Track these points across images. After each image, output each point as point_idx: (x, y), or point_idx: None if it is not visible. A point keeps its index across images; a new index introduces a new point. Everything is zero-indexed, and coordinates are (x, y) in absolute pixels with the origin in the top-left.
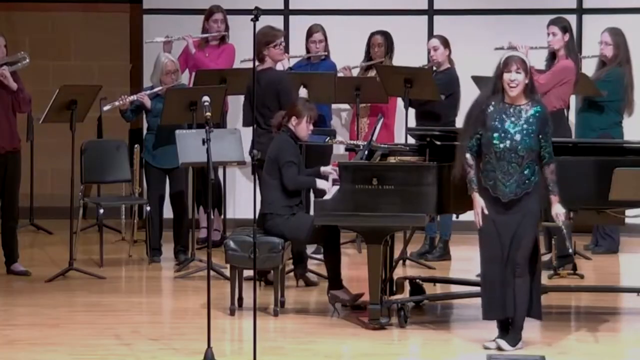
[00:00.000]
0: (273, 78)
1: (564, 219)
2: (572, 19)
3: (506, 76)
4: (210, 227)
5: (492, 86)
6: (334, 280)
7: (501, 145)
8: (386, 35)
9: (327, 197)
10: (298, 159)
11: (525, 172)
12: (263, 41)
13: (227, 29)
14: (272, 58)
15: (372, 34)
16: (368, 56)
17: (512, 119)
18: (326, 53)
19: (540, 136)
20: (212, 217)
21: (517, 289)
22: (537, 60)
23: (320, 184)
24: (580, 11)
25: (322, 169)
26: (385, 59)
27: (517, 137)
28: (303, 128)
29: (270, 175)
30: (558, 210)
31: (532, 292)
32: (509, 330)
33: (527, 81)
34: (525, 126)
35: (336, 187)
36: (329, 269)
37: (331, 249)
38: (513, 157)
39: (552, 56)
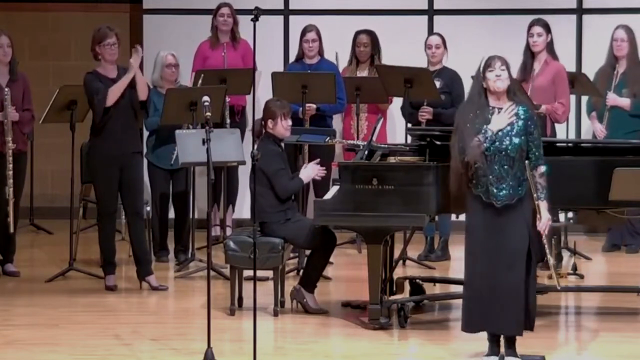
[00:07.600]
0: None
1: (548, 231)
2: (572, 19)
3: (490, 75)
4: (210, 226)
5: (475, 92)
6: (311, 282)
7: (491, 148)
8: (371, 35)
9: (327, 196)
10: (285, 163)
11: (518, 173)
12: (95, 40)
13: (235, 24)
14: (102, 57)
15: (357, 33)
16: (354, 55)
17: None
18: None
19: (528, 136)
20: (211, 215)
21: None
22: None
23: (305, 176)
24: (580, 11)
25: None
26: (375, 58)
27: (506, 138)
28: (280, 127)
29: (259, 184)
30: (546, 219)
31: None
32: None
33: (509, 81)
34: (510, 127)
35: (336, 187)
36: (311, 269)
37: (322, 254)
38: (504, 159)
39: (532, 56)
